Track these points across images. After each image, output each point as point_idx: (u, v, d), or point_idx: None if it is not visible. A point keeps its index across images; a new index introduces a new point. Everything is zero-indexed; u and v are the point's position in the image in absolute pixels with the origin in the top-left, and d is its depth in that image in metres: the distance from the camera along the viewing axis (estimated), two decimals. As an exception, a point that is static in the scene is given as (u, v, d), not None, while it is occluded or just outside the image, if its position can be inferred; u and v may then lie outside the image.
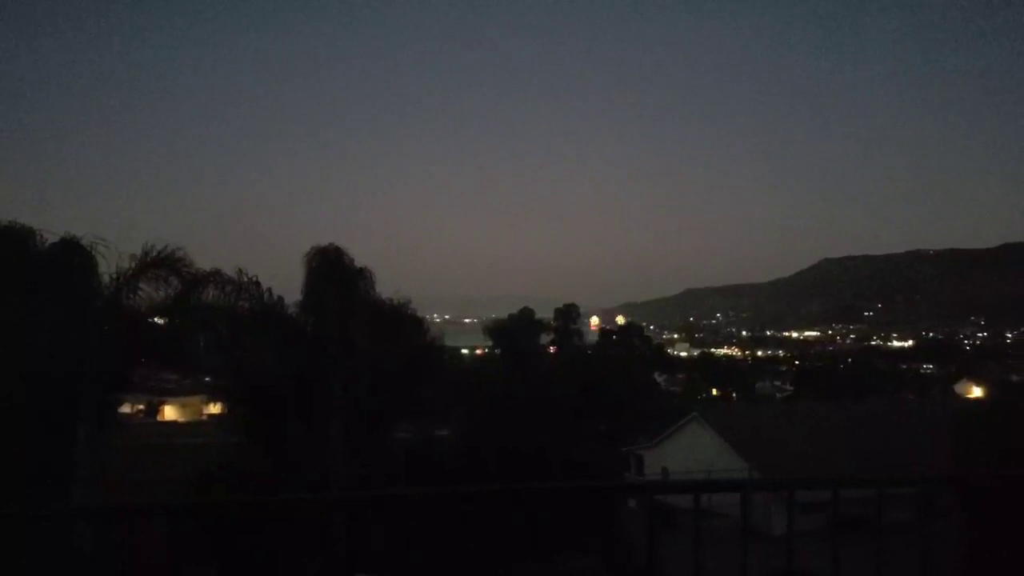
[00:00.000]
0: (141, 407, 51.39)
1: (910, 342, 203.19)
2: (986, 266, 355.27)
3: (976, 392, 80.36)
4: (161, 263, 14.77)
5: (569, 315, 77.27)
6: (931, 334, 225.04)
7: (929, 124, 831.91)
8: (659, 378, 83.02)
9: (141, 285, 14.72)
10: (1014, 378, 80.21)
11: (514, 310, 71.49)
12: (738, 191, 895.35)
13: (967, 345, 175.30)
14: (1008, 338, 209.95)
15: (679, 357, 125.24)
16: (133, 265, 14.52)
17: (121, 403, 19.66)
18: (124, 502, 3.62)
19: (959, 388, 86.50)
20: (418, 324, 22.28)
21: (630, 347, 79.51)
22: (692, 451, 38.04)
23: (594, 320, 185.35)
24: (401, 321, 20.71)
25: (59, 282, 14.25)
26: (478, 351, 69.94)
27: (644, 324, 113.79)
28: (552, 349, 73.07)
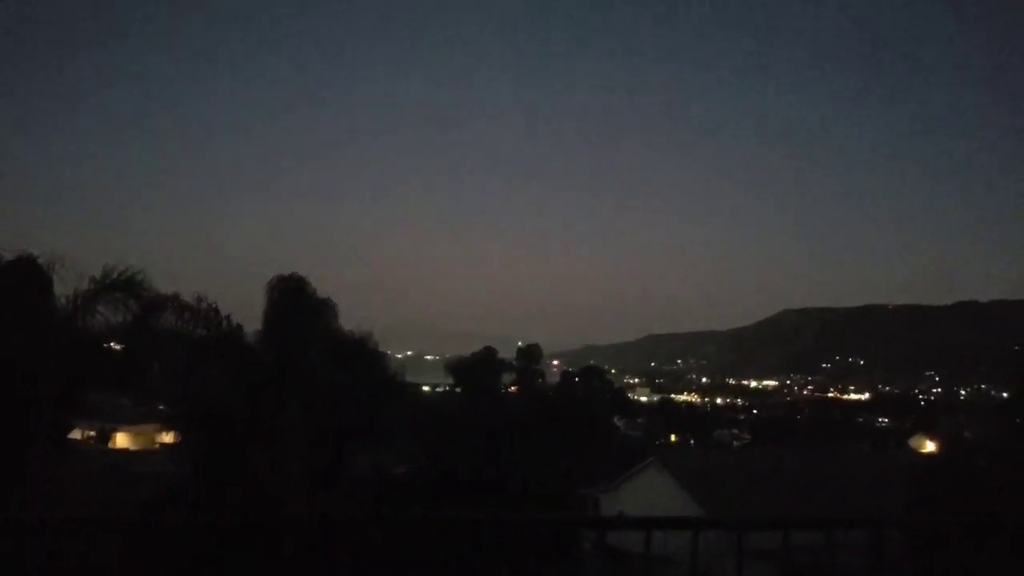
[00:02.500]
0: (92, 433, 50.28)
1: (866, 394, 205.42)
2: (942, 322, 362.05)
3: (930, 446, 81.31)
4: (120, 286, 14.57)
5: (532, 355, 77.10)
6: (887, 387, 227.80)
7: (890, 184, 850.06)
8: (619, 422, 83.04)
9: (99, 308, 14.50)
10: (967, 434, 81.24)
11: (476, 347, 71.17)
12: (702, 239, 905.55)
13: (922, 399, 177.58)
14: (962, 394, 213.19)
15: (640, 401, 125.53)
16: (92, 287, 14.31)
17: (72, 428, 19.28)
18: (76, 514, 3.56)
19: (914, 442, 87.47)
20: (380, 358, 22.18)
21: (592, 389, 79.51)
22: (649, 496, 37.98)
23: (556, 360, 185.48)
24: (362, 354, 20.60)
25: (13, 301, 13.99)
26: (439, 388, 69.64)
27: (606, 367, 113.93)
28: (513, 389, 72.92)
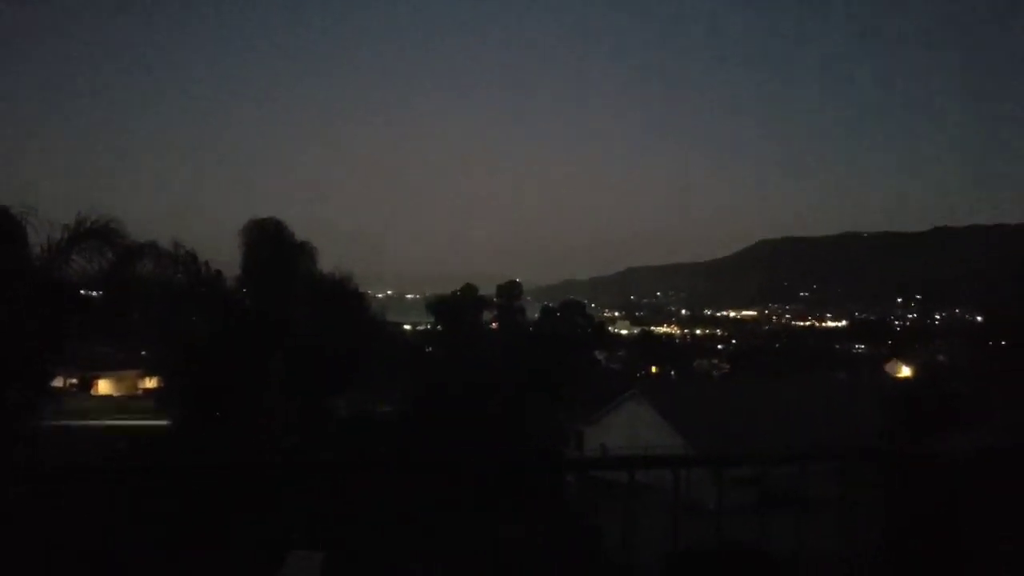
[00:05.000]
0: (74, 381, 50.24)
1: (843, 322, 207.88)
2: (918, 249, 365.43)
3: (905, 372, 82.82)
4: (95, 234, 14.40)
5: (512, 292, 77.46)
6: (863, 315, 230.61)
7: (864, 109, 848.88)
8: (600, 355, 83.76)
9: (74, 256, 14.35)
10: (941, 358, 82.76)
11: (456, 287, 71.45)
12: (678, 172, 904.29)
13: (898, 326, 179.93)
14: (937, 319, 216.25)
15: (620, 335, 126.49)
16: (65, 236, 14.14)
17: (53, 376, 19.23)
18: (61, 463, 3.61)
19: (889, 368, 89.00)
20: (359, 299, 22.19)
21: (572, 324, 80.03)
22: (630, 428, 38.57)
23: (536, 294, 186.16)
24: (342, 296, 20.60)
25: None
26: (420, 327, 69.86)
27: (585, 302, 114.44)
28: (494, 326, 73.28)
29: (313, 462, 9.27)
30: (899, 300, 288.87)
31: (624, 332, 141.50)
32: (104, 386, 56.02)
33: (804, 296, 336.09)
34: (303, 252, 19.19)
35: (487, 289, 76.07)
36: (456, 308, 60.76)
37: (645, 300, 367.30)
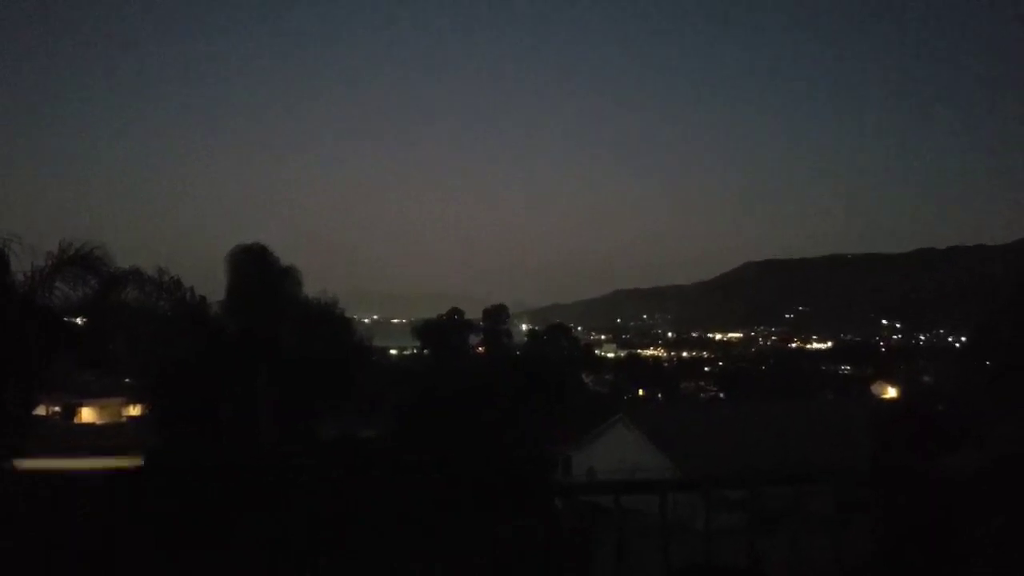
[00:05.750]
0: (57, 409, 49.73)
1: (829, 344, 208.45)
2: (900, 270, 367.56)
3: (891, 392, 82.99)
4: (79, 261, 14.31)
5: (498, 316, 77.40)
6: (848, 336, 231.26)
7: (847, 132, 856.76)
8: (587, 378, 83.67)
9: (57, 284, 14.25)
10: (926, 379, 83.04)
11: (442, 309, 71.34)
12: (664, 195, 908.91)
13: (883, 347, 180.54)
14: (921, 340, 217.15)
15: (607, 358, 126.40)
16: (49, 263, 14.04)
17: (36, 404, 19.03)
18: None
19: (875, 388, 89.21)
20: (346, 324, 22.11)
21: (559, 348, 79.97)
22: (618, 451, 38.45)
23: (523, 318, 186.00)
24: (329, 321, 20.51)
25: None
26: (407, 351, 69.55)
27: (572, 325, 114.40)
28: (481, 350, 73.06)
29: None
30: (884, 321, 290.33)
31: (611, 355, 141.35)
32: (88, 414, 55.41)
33: (789, 318, 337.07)
34: (288, 277, 19.13)
35: (474, 312, 76.02)
36: (442, 332, 60.67)
37: (632, 323, 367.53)
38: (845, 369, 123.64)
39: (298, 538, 11.96)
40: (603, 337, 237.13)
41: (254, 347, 17.22)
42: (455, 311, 70.68)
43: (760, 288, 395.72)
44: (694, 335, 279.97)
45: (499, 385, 31.43)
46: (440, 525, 12.71)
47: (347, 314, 22.39)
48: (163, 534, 10.55)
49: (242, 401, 16.97)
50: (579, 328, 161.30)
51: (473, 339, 72.83)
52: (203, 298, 18.23)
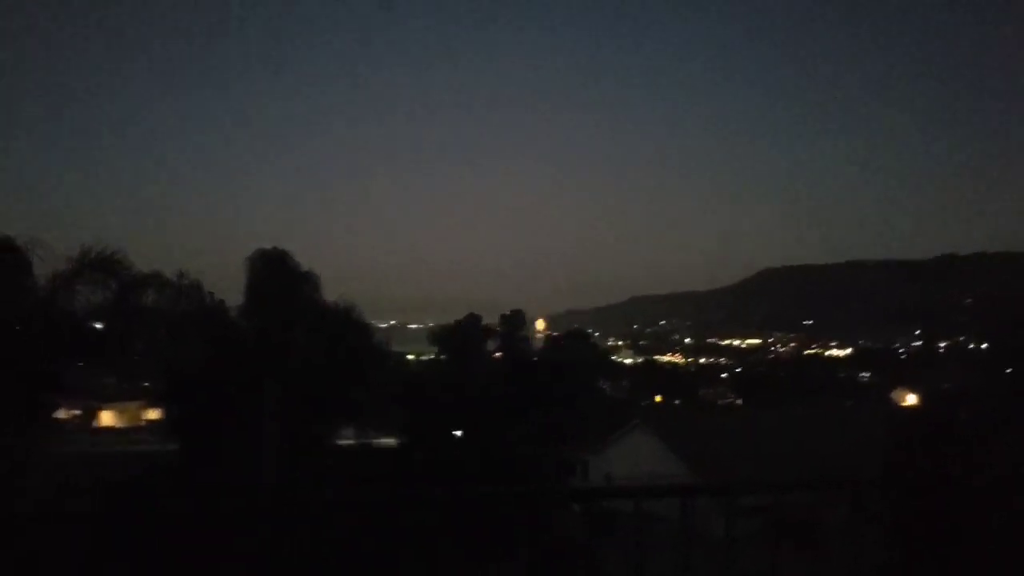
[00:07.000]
0: (77, 412, 50.05)
1: (848, 350, 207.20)
2: (922, 277, 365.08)
3: (911, 399, 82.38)
4: (99, 265, 14.46)
5: (516, 322, 77.26)
6: (868, 343, 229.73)
7: (868, 136, 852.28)
8: (604, 384, 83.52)
9: (78, 287, 14.40)
10: (946, 386, 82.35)
11: (459, 315, 71.25)
12: (683, 201, 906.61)
13: (902, 354, 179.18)
14: (941, 347, 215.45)
15: (624, 364, 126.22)
16: (70, 267, 14.19)
17: (56, 407, 19.19)
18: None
19: (895, 395, 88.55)
20: (363, 329, 22.17)
21: (576, 353, 79.80)
22: (635, 457, 38.38)
23: (540, 324, 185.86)
24: (346, 326, 20.58)
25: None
26: (424, 357, 69.60)
27: (590, 331, 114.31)
28: (498, 355, 72.99)
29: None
30: (903, 328, 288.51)
31: (628, 361, 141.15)
32: (107, 417, 55.77)
33: (808, 324, 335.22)
34: (307, 282, 19.23)
35: (492, 317, 75.93)
36: (459, 338, 60.61)
37: (649, 329, 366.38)
38: (864, 376, 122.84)
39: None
40: (620, 343, 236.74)
41: (270, 352, 17.30)
42: (472, 316, 70.58)
43: (778, 294, 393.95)
44: (711, 341, 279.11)
45: (516, 391, 31.40)
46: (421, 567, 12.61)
47: (365, 319, 22.46)
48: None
49: (251, 412, 17.00)
50: (596, 334, 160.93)
51: (490, 345, 72.79)
52: (222, 301, 18.36)
